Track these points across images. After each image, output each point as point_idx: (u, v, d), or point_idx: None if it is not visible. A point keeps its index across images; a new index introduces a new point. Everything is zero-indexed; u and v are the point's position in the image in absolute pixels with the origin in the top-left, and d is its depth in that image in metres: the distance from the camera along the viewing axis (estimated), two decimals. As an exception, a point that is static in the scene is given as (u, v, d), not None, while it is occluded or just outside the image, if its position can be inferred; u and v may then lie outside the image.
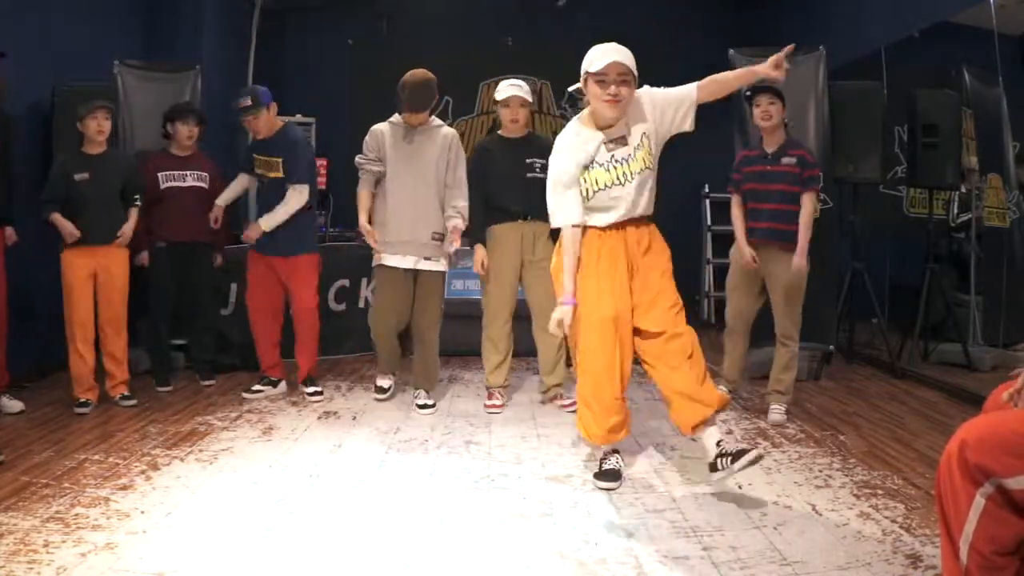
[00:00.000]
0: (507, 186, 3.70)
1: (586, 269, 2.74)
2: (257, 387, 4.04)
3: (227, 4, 6.24)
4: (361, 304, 5.24)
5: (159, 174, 4.17)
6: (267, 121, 3.91)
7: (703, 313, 6.89)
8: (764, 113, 3.61)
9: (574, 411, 3.33)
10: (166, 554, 2.15)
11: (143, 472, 2.83)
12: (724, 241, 6.76)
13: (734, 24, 6.81)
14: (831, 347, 4.53)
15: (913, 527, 2.32)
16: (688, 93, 2.71)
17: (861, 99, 4.74)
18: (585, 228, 2.74)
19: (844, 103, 4.74)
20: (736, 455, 2.55)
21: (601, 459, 2.84)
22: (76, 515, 2.41)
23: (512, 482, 2.78)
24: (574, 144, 2.71)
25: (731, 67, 4.84)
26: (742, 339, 3.87)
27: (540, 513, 2.48)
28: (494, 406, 3.83)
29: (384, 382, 4.05)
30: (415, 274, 3.75)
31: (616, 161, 2.69)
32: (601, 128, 2.70)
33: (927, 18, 4.61)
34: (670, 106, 2.71)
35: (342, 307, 5.11)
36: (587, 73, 2.63)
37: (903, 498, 2.56)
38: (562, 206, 2.72)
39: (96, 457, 3.00)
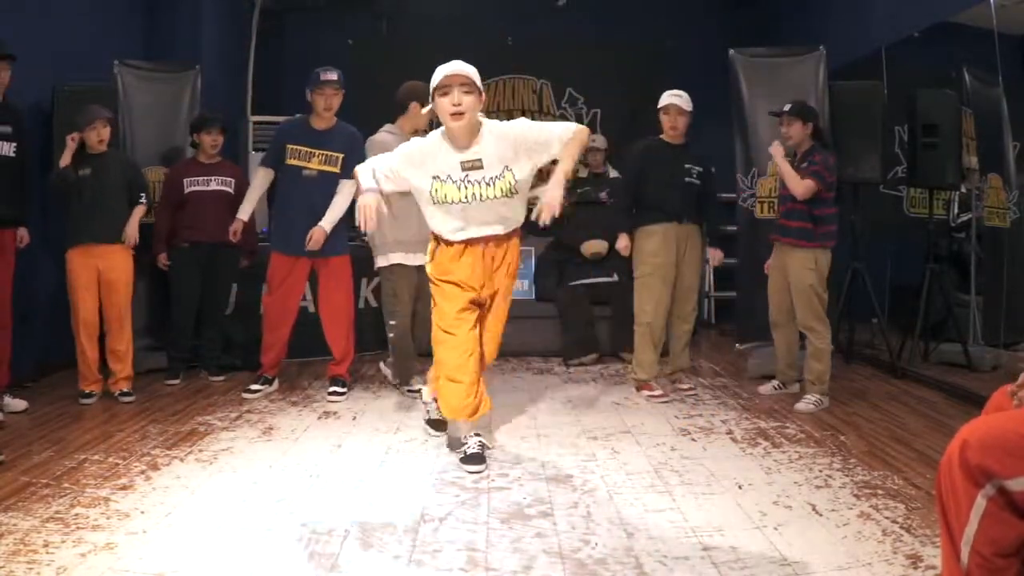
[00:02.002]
0: (666, 188, 3.94)
1: (444, 270, 2.90)
2: (256, 387, 4.03)
3: (227, 4, 6.24)
4: (361, 304, 5.23)
5: (184, 179, 4.29)
6: (339, 104, 3.89)
7: (703, 313, 6.88)
8: (785, 134, 3.88)
9: (693, 393, 4.01)
10: (166, 554, 2.15)
11: (143, 472, 2.83)
12: (724, 241, 6.74)
13: (734, 24, 6.80)
14: (831, 347, 4.53)
15: (913, 527, 2.31)
16: (549, 145, 2.80)
17: (861, 99, 4.73)
18: (446, 242, 2.89)
19: (844, 103, 4.74)
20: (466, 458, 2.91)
21: (463, 444, 2.98)
22: (76, 515, 2.40)
23: (512, 482, 2.78)
24: (422, 149, 2.81)
25: (731, 67, 4.89)
26: (785, 332, 4.02)
27: (540, 513, 2.48)
28: (655, 396, 3.99)
29: (418, 383, 4.03)
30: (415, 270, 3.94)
31: (470, 181, 2.78)
32: (457, 148, 2.77)
33: (927, 18, 4.60)
34: (533, 150, 2.80)
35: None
36: (433, 90, 2.73)
37: (903, 498, 2.56)
38: (377, 170, 2.80)
39: (96, 457, 3.00)
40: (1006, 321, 4.40)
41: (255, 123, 5.89)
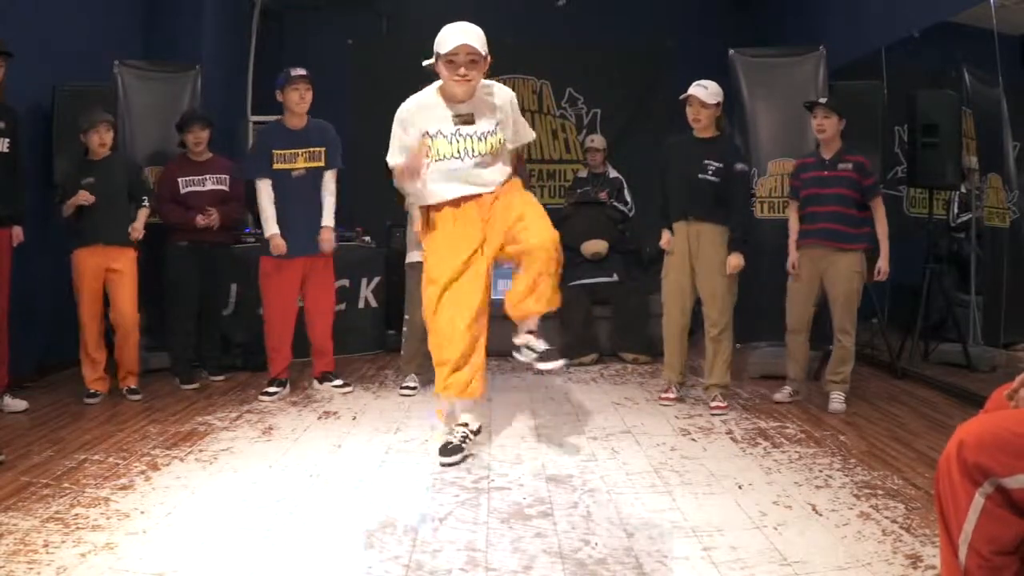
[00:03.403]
0: (677, 185, 3.84)
1: (436, 238, 2.94)
2: (273, 389, 4.00)
3: (227, 4, 6.24)
4: (361, 304, 5.24)
5: (179, 179, 4.29)
6: (311, 100, 3.94)
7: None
8: (819, 126, 3.81)
9: (722, 414, 3.68)
10: (166, 554, 2.15)
11: (143, 472, 2.83)
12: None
13: (734, 24, 6.80)
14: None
15: (913, 527, 2.32)
16: (520, 138, 3.03)
17: (861, 99, 4.73)
18: (440, 205, 2.93)
19: (844, 103, 4.73)
20: (542, 355, 2.91)
21: (448, 433, 3.00)
22: (76, 515, 2.41)
23: (512, 482, 2.78)
24: (420, 104, 2.87)
25: (731, 67, 4.89)
26: (804, 339, 3.94)
27: (540, 513, 2.48)
28: (667, 398, 3.94)
29: (413, 381, 4.13)
30: None
31: (460, 136, 2.83)
32: (450, 102, 2.84)
33: (927, 18, 4.60)
34: (513, 130, 2.95)
35: (342, 307, 5.09)
36: (438, 54, 2.77)
37: (903, 498, 2.56)
38: (392, 148, 2.94)
39: (96, 457, 3.00)
40: (1006, 321, 4.39)
41: (255, 123, 5.89)
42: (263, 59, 6.55)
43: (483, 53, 2.76)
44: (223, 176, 4.36)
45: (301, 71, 3.90)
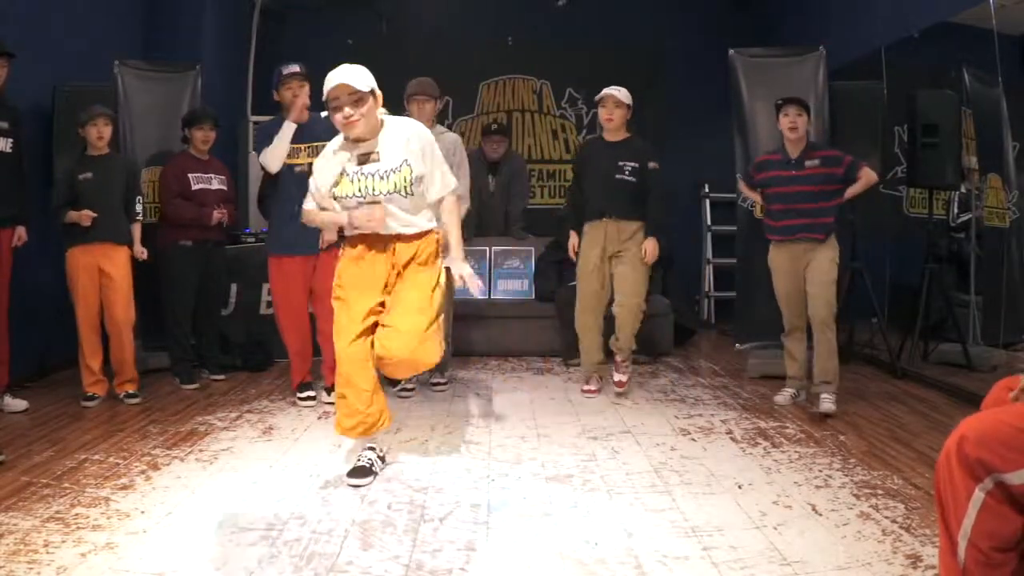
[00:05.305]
0: (595, 185, 4.03)
1: (345, 270, 2.80)
2: (306, 394, 3.89)
3: (227, 4, 6.24)
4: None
5: (190, 175, 4.24)
6: (307, 98, 3.82)
7: (703, 313, 6.88)
8: (792, 123, 3.73)
9: (623, 391, 3.98)
10: (166, 554, 2.15)
11: (143, 472, 2.84)
12: (724, 241, 6.77)
13: (734, 24, 6.81)
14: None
15: (913, 527, 2.32)
16: (433, 183, 2.77)
17: (861, 99, 4.74)
18: (348, 242, 2.82)
19: (844, 103, 4.74)
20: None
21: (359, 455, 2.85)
22: (76, 515, 2.41)
23: (512, 482, 2.78)
24: (329, 159, 2.77)
25: (731, 67, 4.90)
26: (801, 338, 3.91)
27: (540, 513, 2.48)
28: (589, 391, 4.08)
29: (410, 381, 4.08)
30: None
31: (362, 174, 2.71)
32: (356, 142, 2.73)
33: (927, 18, 4.60)
34: (428, 173, 2.74)
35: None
36: (324, 101, 2.66)
37: (903, 498, 2.56)
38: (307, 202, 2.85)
39: (96, 457, 3.00)
40: (1006, 321, 4.40)
41: (255, 123, 5.89)
42: (263, 59, 6.55)
43: (365, 89, 2.60)
44: (223, 176, 4.37)
45: (293, 68, 3.78)
